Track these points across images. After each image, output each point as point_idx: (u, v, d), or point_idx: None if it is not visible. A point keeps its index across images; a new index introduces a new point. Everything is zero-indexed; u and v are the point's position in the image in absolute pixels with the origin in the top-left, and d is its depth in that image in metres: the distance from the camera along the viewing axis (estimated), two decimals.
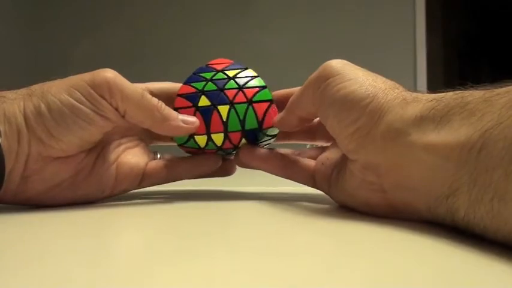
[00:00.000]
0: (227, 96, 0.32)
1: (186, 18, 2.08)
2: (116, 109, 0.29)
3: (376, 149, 0.24)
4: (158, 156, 0.35)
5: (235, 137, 0.32)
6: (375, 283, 0.14)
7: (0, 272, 0.15)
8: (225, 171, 0.35)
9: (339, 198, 0.29)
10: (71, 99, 0.27)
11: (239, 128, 0.32)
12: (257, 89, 0.32)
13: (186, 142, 0.33)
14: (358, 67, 0.27)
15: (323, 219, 0.25)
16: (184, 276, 0.14)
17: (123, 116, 0.29)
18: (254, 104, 0.32)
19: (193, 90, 0.32)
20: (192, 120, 0.31)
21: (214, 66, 0.33)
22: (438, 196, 0.20)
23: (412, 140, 0.22)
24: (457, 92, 0.22)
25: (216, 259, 0.17)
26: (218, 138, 0.32)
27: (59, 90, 0.28)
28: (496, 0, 2.41)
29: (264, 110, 0.32)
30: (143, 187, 0.33)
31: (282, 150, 0.33)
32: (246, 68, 0.33)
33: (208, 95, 0.32)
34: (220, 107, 0.32)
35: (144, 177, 0.32)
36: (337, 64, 0.27)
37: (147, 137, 0.35)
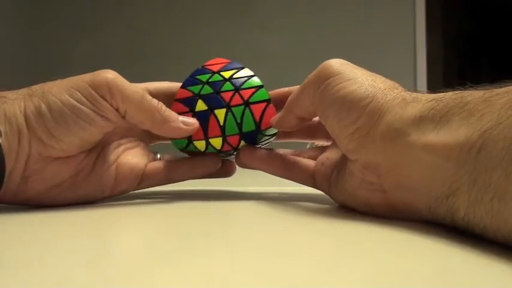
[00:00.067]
0: (223, 99, 0.32)
1: (186, 18, 2.08)
2: (117, 110, 0.29)
3: (376, 149, 0.24)
4: (158, 156, 0.35)
5: (233, 140, 0.32)
6: (374, 283, 0.14)
7: (0, 272, 0.15)
8: (225, 172, 0.35)
9: (339, 198, 0.29)
10: (71, 99, 0.27)
11: (237, 131, 0.32)
12: (253, 89, 0.32)
13: (186, 147, 0.33)
14: (357, 67, 0.27)
15: (323, 219, 0.25)
16: (184, 276, 0.14)
17: (123, 117, 0.29)
18: (251, 105, 0.32)
19: (190, 94, 0.32)
20: (192, 121, 0.31)
21: (210, 67, 0.33)
22: (438, 196, 0.20)
23: (412, 140, 0.22)
24: (457, 92, 0.22)
25: (215, 259, 0.17)
26: (217, 142, 0.32)
27: (59, 90, 0.28)
28: (496, 0, 2.41)
29: (262, 110, 0.32)
30: (143, 188, 0.33)
31: (282, 151, 0.33)
32: (242, 68, 0.33)
33: (205, 98, 0.32)
34: (217, 111, 0.32)
35: (144, 178, 0.32)
36: (336, 64, 0.27)
37: (147, 137, 0.35)
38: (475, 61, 2.44)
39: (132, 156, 0.33)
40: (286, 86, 0.34)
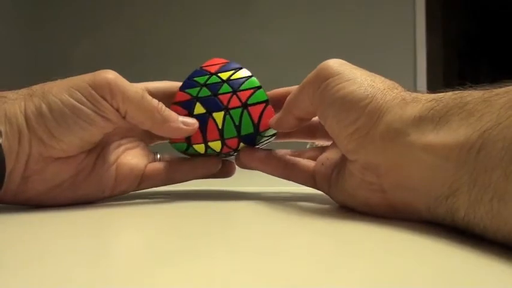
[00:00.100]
0: (221, 102, 0.32)
1: (186, 18, 2.08)
2: (117, 110, 0.29)
3: (375, 149, 0.24)
4: (158, 156, 0.35)
5: (232, 143, 0.32)
6: (374, 283, 0.14)
7: (0, 272, 0.15)
8: (225, 172, 0.35)
9: (339, 199, 0.29)
10: (72, 99, 0.27)
11: (235, 134, 0.32)
12: (251, 90, 0.32)
13: (186, 150, 0.33)
14: (356, 67, 0.27)
15: (323, 219, 0.25)
16: (185, 276, 0.14)
17: (123, 117, 0.29)
18: (249, 107, 0.32)
19: (188, 97, 0.32)
20: (192, 122, 0.31)
21: (208, 68, 0.33)
22: (438, 196, 0.20)
23: (411, 140, 0.22)
24: (456, 92, 0.22)
25: (216, 259, 0.17)
26: (216, 145, 0.32)
27: (60, 90, 0.28)
28: (496, 0, 2.41)
29: (260, 112, 0.31)
30: (142, 189, 0.33)
31: (282, 151, 0.33)
32: (240, 68, 0.33)
33: (203, 101, 0.32)
34: (215, 114, 0.32)
35: (144, 179, 0.32)
36: (335, 64, 0.27)
37: (147, 138, 0.35)
38: (475, 61, 2.44)
39: (132, 157, 0.33)
40: (286, 86, 0.34)
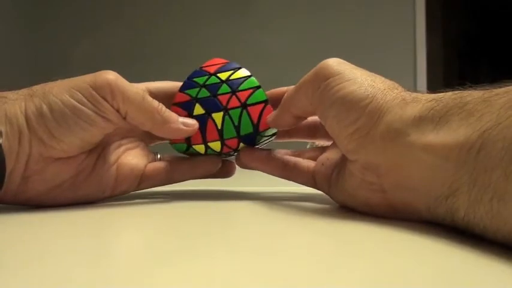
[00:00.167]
0: (220, 102, 0.32)
1: (186, 18, 2.08)
2: (117, 111, 0.29)
3: (375, 149, 0.24)
4: (158, 156, 0.35)
5: (232, 143, 0.32)
6: (374, 283, 0.14)
7: (0, 272, 0.15)
8: (225, 172, 0.35)
9: (339, 199, 0.29)
10: (72, 100, 0.27)
11: (234, 134, 0.32)
12: (250, 90, 0.32)
13: (186, 151, 0.33)
14: (355, 67, 0.27)
15: (323, 219, 0.25)
16: (184, 276, 0.14)
17: (124, 118, 0.29)
18: (248, 108, 0.32)
19: (188, 98, 0.32)
20: (192, 122, 0.31)
21: (207, 69, 0.33)
22: (438, 196, 0.20)
23: (411, 140, 0.22)
24: (456, 92, 0.22)
25: (216, 259, 0.17)
26: (215, 145, 0.32)
27: (60, 91, 0.28)
28: (496, 0, 2.41)
29: (259, 112, 0.31)
30: (143, 188, 0.33)
31: (282, 151, 0.33)
32: (239, 68, 0.33)
33: (202, 102, 0.32)
34: (214, 115, 0.32)
35: (144, 179, 0.32)
36: (335, 63, 0.27)
37: (147, 138, 0.35)
38: (475, 61, 2.44)
39: (132, 157, 0.33)
40: (286, 86, 0.33)
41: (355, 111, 0.25)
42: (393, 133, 0.23)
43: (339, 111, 0.25)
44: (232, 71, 0.33)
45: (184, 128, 0.31)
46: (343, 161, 0.28)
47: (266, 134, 0.32)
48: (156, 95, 0.31)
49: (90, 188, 0.30)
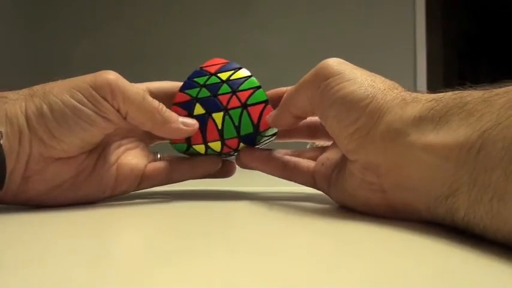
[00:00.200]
0: (221, 102, 0.32)
1: (186, 18, 2.08)
2: (118, 111, 0.29)
3: (375, 149, 0.24)
4: (158, 156, 0.35)
5: (232, 143, 0.32)
6: (374, 283, 0.14)
7: (0, 272, 0.15)
8: (225, 172, 0.35)
9: (339, 199, 0.29)
10: (72, 100, 0.27)
11: (235, 134, 0.32)
12: (251, 90, 0.32)
13: (186, 151, 0.33)
14: (355, 66, 0.27)
15: (323, 219, 0.25)
16: (184, 276, 0.14)
17: (124, 118, 0.29)
18: (249, 108, 0.32)
19: (188, 98, 0.32)
20: (192, 122, 0.31)
21: (207, 69, 0.33)
22: (438, 196, 0.20)
23: (411, 140, 0.22)
24: (456, 92, 0.22)
25: (215, 259, 0.17)
26: (216, 145, 0.32)
27: (60, 91, 0.28)
28: (496, 0, 2.41)
29: (259, 112, 0.31)
30: (143, 188, 0.33)
31: (282, 151, 0.33)
32: (239, 68, 0.33)
33: (203, 102, 0.32)
34: (214, 115, 0.32)
35: (144, 179, 0.32)
36: (335, 63, 0.27)
37: (147, 138, 0.35)
38: (475, 61, 2.44)
39: (132, 157, 0.33)
40: (286, 86, 0.33)
41: (355, 111, 0.25)
42: (393, 133, 0.23)
43: (339, 111, 0.25)
44: (232, 71, 0.33)
45: (185, 127, 0.31)
46: (343, 161, 0.28)
47: (266, 134, 0.32)
48: (156, 95, 0.31)
49: (90, 188, 0.30)
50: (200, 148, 0.32)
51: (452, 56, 2.38)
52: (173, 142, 0.33)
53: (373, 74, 0.27)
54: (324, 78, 0.26)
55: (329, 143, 0.33)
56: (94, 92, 0.28)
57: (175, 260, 0.16)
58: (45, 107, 0.27)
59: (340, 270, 0.15)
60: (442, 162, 0.20)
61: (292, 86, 0.29)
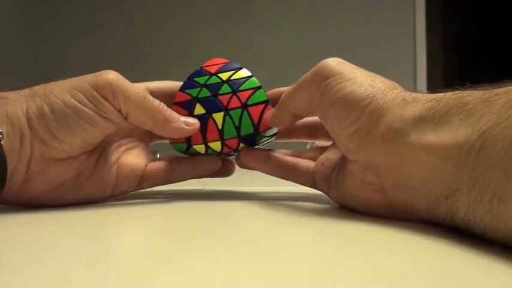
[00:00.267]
0: (221, 102, 0.32)
1: (186, 18, 2.08)
2: (119, 111, 0.29)
3: (376, 149, 0.24)
4: (158, 156, 0.35)
5: (232, 143, 0.32)
6: (374, 283, 0.14)
7: (0, 272, 0.15)
8: (225, 171, 0.35)
9: (339, 199, 0.29)
10: (73, 100, 0.27)
11: (235, 134, 0.32)
12: (251, 90, 0.32)
13: (186, 151, 0.33)
14: (355, 66, 0.27)
15: (323, 219, 0.25)
16: (184, 276, 0.14)
17: (125, 118, 0.29)
18: (249, 108, 0.32)
19: (188, 97, 0.32)
20: (194, 121, 0.31)
21: (208, 68, 0.33)
22: (438, 196, 0.20)
23: (411, 140, 0.22)
24: (456, 92, 0.22)
25: (215, 259, 0.17)
26: (216, 145, 0.32)
27: (61, 91, 0.28)
28: (496, 0, 2.41)
29: (260, 112, 0.31)
30: (143, 188, 0.33)
31: (282, 151, 0.33)
32: (240, 68, 0.33)
33: (203, 102, 0.32)
34: (215, 115, 0.32)
35: (144, 179, 0.32)
36: (334, 63, 0.27)
37: (147, 137, 0.35)
38: (475, 61, 2.43)
39: (132, 157, 0.33)
40: (286, 86, 0.33)
41: (355, 111, 0.25)
42: (393, 133, 0.23)
43: (339, 111, 0.25)
44: (233, 71, 0.33)
45: (186, 127, 0.31)
46: (343, 161, 0.28)
47: (266, 135, 0.32)
48: (156, 94, 0.31)
49: (91, 188, 0.30)
50: (200, 148, 0.32)
51: (452, 56, 2.38)
52: (173, 142, 0.33)
53: (373, 74, 0.27)
54: (324, 78, 0.26)
55: (329, 143, 0.33)
56: (95, 92, 0.28)
57: (175, 260, 0.16)
58: (46, 107, 0.27)
59: (340, 270, 0.15)
60: (442, 162, 0.20)
61: (291, 86, 0.29)
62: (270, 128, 0.32)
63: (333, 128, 0.26)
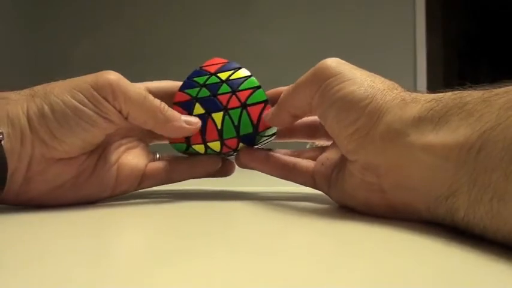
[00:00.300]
0: (221, 102, 0.32)
1: (186, 18, 2.08)
2: (119, 111, 0.29)
3: (375, 149, 0.24)
4: (158, 156, 0.35)
5: (231, 143, 0.32)
6: (374, 283, 0.14)
7: (0, 272, 0.15)
8: (224, 171, 0.35)
9: (339, 199, 0.29)
10: (74, 101, 0.27)
11: (234, 134, 0.32)
12: (250, 90, 0.32)
13: (186, 150, 0.33)
14: (355, 66, 0.27)
15: (323, 219, 0.25)
16: (184, 276, 0.14)
17: (126, 118, 0.29)
18: (248, 108, 0.31)
19: (188, 97, 0.32)
20: (195, 121, 0.31)
21: (207, 68, 0.33)
22: (438, 196, 0.20)
23: (411, 140, 0.22)
24: (456, 92, 0.22)
25: (215, 259, 0.17)
26: (215, 145, 0.32)
27: (61, 91, 0.28)
28: (496, 0, 2.41)
29: (259, 112, 0.31)
30: (143, 188, 0.33)
31: (282, 151, 0.33)
32: (239, 68, 0.33)
33: (202, 102, 0.32)
34: (214, 115, 0.32)
35: (144, 179, 0.32)
36: (334, 63, 0.27)
37: (147, 137, 0.35)
38: (475, 61, 2.43)
39: (132, 157, 0.33)
40: (286, 86, 0.33)
41: (354, 111, 0.25)
42: (393, 133, 0.23)
43: (338, 111, 0.25)
44: (232, 71, 0.33)
45: (187, 126, 0.31)
46: (342, 161, 0.28)
47: (266, 134, 0.32)
48: (156, 94, 0.31)
49: (91, 188, 0.30)
50: (200, 148, 0.32)
51: (452, 56, 2.38)
52: (173, 142, 0.33)
53: (373, 74, 0.27)
54: (324, 79, 0.26)
55: (329, 143, 0.33)
56: (95, 93, 0.28)
57: (175, 260, 0.16)
58: (46, 107, 0.27)
59: (340, 270, 0.15)
60: (442, 163, 0.20)
61: (290, 85, 0.29)
62: (270, 127, 0.32)
63: (332, 128, 0.26)
